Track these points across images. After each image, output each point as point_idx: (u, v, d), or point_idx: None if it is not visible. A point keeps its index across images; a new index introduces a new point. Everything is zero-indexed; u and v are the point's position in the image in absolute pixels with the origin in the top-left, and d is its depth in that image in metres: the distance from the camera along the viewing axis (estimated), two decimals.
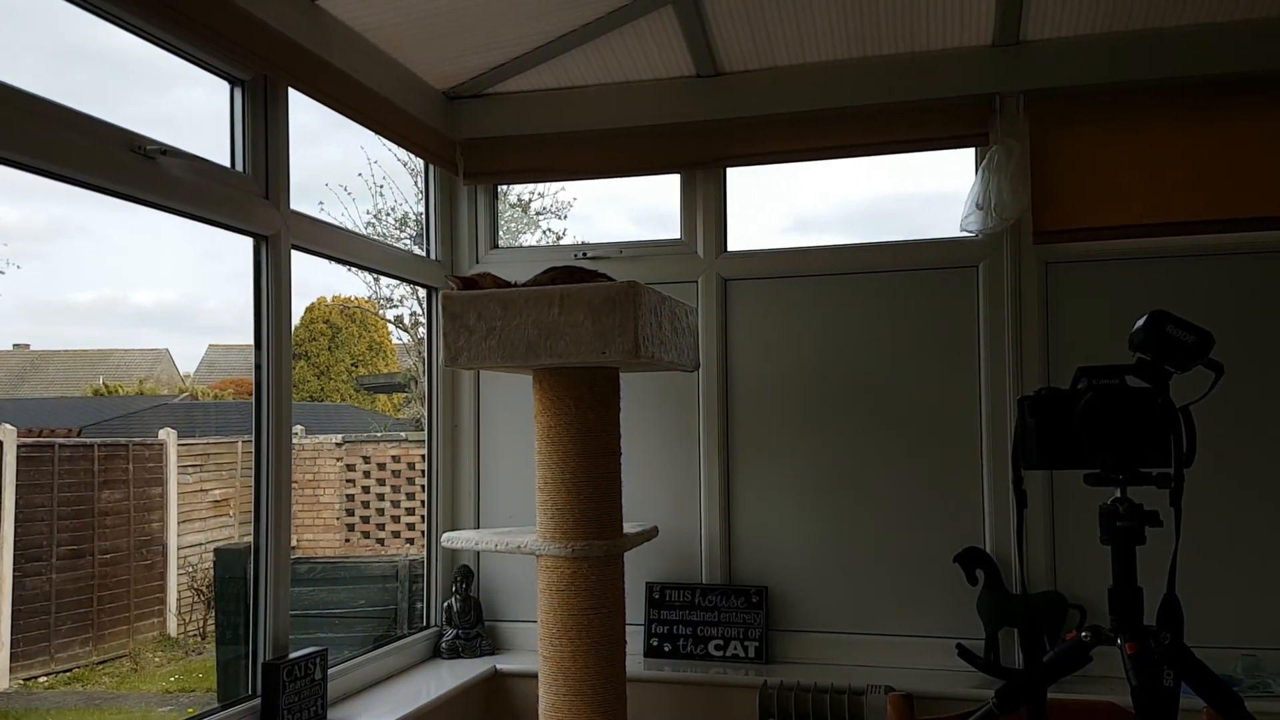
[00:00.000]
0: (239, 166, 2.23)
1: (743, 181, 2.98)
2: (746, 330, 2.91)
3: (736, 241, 2.96)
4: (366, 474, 6.75)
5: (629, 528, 2.53)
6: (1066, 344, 2.67)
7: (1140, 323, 1.06)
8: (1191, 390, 1.10)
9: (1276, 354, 2.57)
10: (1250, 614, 2.53)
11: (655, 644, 2.92)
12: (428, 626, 2.96)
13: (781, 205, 3.06)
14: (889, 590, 2.78)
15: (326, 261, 2.60)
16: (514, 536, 2.45)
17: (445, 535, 2.54)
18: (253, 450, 2.28)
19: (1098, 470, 1.07)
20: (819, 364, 2.86)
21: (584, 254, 2.97)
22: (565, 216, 6.67)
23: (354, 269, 2.85)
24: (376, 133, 2.65)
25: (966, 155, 2.77)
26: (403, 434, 7.48)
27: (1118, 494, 1.08)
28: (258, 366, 2.28)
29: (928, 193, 2.85)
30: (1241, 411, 2.57)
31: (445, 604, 2.92)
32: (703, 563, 2.92)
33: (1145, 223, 2.61)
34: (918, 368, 2.78)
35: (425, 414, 3.05)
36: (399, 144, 2.80)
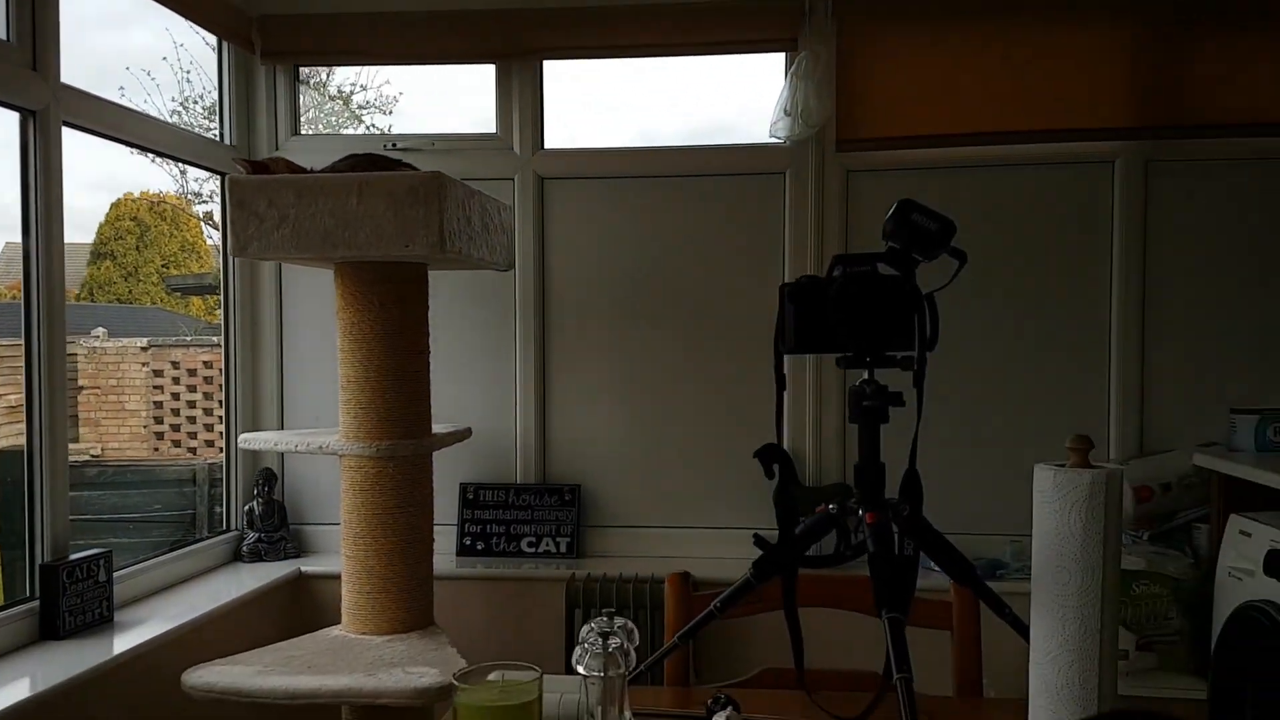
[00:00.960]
0: (1, 34, 2.04)
1: (577, 86, 2.93)
2: (564, 231, 2.89)
3: (558, 141, 2.92)
4: (175, 380, 6.45)
5: (440, 428, 2.50)
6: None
7: (890, 212, 1.10)
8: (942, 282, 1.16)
9: (1070, 264, 2.74)
10: (1017, 504, 2.73)
11: (468, 543, 2.93)
12: (228, 530, 2.88)
13: (625, 113, 3.02)
14: (695, 486, 2.87)
15: (132, 153, 2.43)
16: (316, 437, 2.39)
17: (243, 436, 2.45)
18: (22, 347, 2.14)
19: (849, 354, 1.12)
20: (634, 267, 2.87)
21: (393, 145, 2.87)
22: (390, 112, 6.42)
23: (155, 158, 2.65)
24: (161, 2, 2.45)
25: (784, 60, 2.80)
26: (215, 339, 7.17)
27: (866, 375, 1.13)
28: (26, 256, 2.12)
29: (753, 100, 2.87)
30: (1021, 314, 2.74)
31: (246, 507, 2.84)
32: (517, 463, 2.94)
33: (949, 133, 2.70)
34: (726, 273, 2.83)
35: (222, 309, 2.92)
36: (187, 16, 2.61)
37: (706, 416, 2.86)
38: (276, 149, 2.93)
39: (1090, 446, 1.09)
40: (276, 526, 2.84)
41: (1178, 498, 2.61)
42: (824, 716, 1.21)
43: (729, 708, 1.03)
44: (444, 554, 2.87)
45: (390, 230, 2.06)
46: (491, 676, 1.08)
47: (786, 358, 1.16)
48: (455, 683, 1.05)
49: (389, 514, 2.28)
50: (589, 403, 2.90)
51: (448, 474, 2.91)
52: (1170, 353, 2.72)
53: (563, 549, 2.89)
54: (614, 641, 1.05)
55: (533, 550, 2.91)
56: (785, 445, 2.77)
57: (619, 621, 1.09)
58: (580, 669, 1.05)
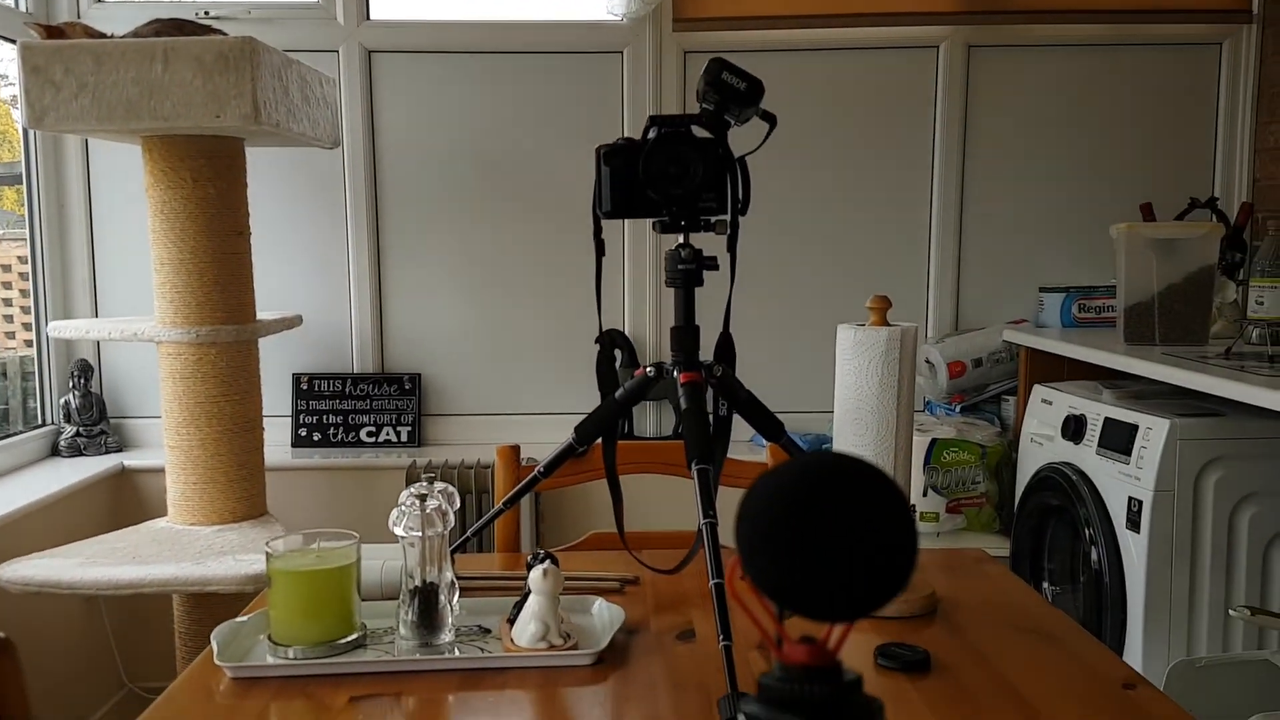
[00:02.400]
0: None
1: None
2: (394, 108, 2.79)
3: (385, 12, 2.78)
4: None
5: (267, 315, 2.42)
6: None
7: (702, 72, 1.11)
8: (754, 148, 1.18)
9: (898, 147, 2.81)
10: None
11: (304, 434, 2.87)
12: (42, 424, 2.73)
13: None
14: (538, 371, 2.88)
15: None
16: (131, 324, 2.28)
17: (52, 324, 2.32)
18: None
19: (665, 219, 1.13)
20: (470, 148, 2.81)
21: (205, 13, 2.69)
22: None
23: None
24: None
25: None
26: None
27: (681, 239, 1.15)
28: None
29: None
30: (849, 195, 2.82)
31: (63, 400, 2.70)
32: (354, 352, 2.88)
33: (783, 14, 2.72)
34: (566, 154, 2.80)
35: (25, 190, 2.71)
36: None
37: (548, 300, 2.86)
38: (79, 16, 2.70)
39: (888, 306, 1.14)
40: (95, 420, 2.71)
41: (988, 372, 2.77)
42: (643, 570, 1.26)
43: (547, 561, 1.06)
44: (278, 446, 2.81)
45: (199, 99, 1.94)
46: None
47: (624, 231, 1.16)
48: (268, 550, 1.03)
49: (212, 403, 2.20)
50: (427, 289, 2.85)
51: (280, 364, 2.83)
52: (985, 235, 2.86)
53: (403, 438, 2.87)
54: (432, 503, 1.06)
55: (372, 440, 2.87)
56: (624, 327, 2.83)
57: (439, 486, 1.10)
58: (398, 531, 1.05)
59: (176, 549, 2.11)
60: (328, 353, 2.88)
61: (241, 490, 2.26)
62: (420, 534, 1.04)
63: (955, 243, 2.85)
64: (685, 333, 1.15)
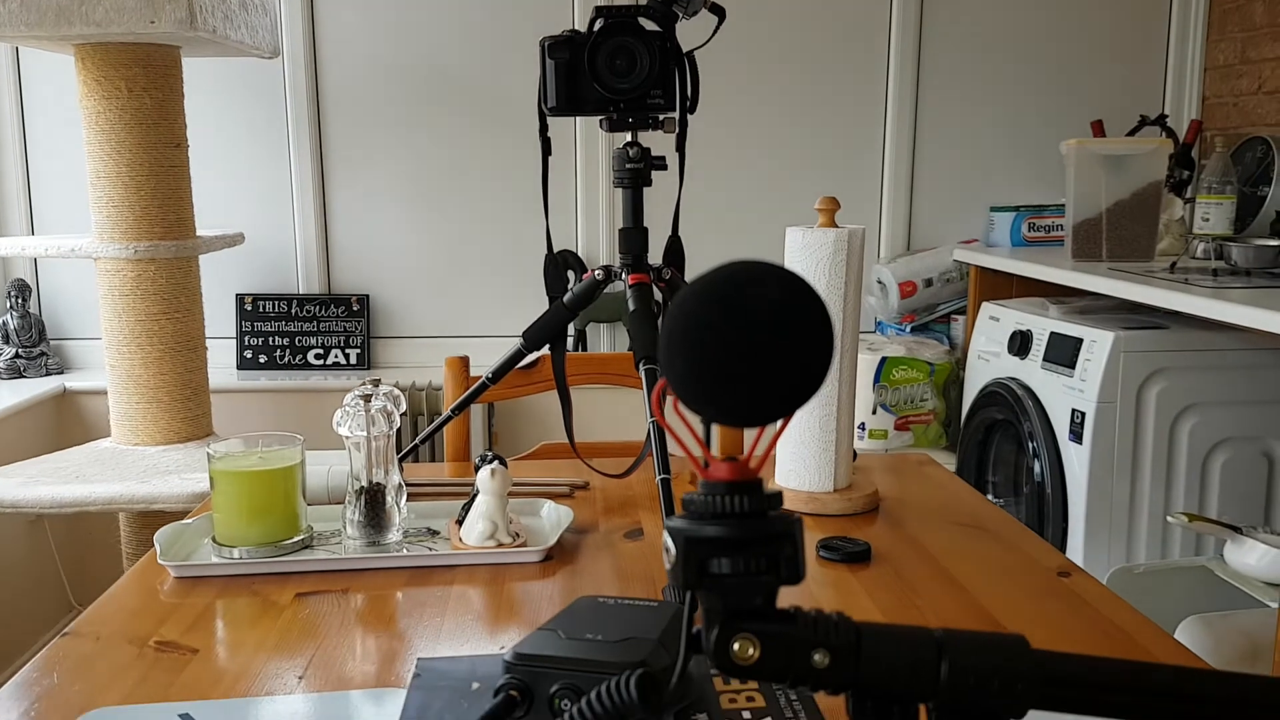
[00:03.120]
0: None
1: None
2: (337, 16, 2.71)
3: None
4: None
5: (208, 232, 2.36)
6: None
7: None
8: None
9: (854, 68, 2.79)
10: None
11: (249, 356, 2.83)
12: None
13: None
14: (488, 293, 2.85)
15: None
16: (67, 240, 2.22)
17: None
18: None
19: (613, 116, 1.11)
20: (417, 57, 2.74)
21: None
22: None
23: None
24: None
25: None
26: None
27: (629, 138, 1.13)
28: None
29: None
30: (803, 115, 2.80)
31: (0, 321, 2.63)
32: (299, 272, 2.82)
33: None
34: (518, 64, 2.75)
35: None
36: None
37: (501, 219, 2.82)
38: None
39: (836, 207, 1.14)
40: (35, 341, 2.65)
41: (938, 292, 2.79)
42: (592, 475, 1.26)
43: (495, 461, 1.05)
44: (224, 368, 2.77)
45: (132, 4, 1.87)
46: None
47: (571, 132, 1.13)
48: (210, 451, 1.02)
49: (153, 320, 2.16)
50: (375, 206, 2.80)
51: (222, 285, 2.78)
52: (938, 155, 2.86)
53: (352, 360, 2.84)
54: (377, 403, 1.05)
55: (320, 363, 2.84)
56: (578, 248, 2.80)
57: (383, 388, 1.09)
58: (343, 431, 1.04)
59: (121, 468, 2.08)
60: (272, 273, 2.83)
61: (186, 410, 2.23)
62: (365, 434, 1.03)
63: (909, 162, 2.84)
64: (633, 234, 1.14)
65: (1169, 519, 1.98)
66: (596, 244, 2.83)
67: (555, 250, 1.17)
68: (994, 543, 1.09)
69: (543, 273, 1.20)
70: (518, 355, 1.23)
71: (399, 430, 2.41)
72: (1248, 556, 1.90)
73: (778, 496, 0.31)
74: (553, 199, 2.79)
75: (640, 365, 1.05)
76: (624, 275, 1.13)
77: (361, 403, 1.04)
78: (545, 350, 1.28)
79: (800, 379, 0.29)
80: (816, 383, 0.30)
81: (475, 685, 0.41)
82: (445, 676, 0.49)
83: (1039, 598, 0.95)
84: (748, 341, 0.29)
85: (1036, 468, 2.21)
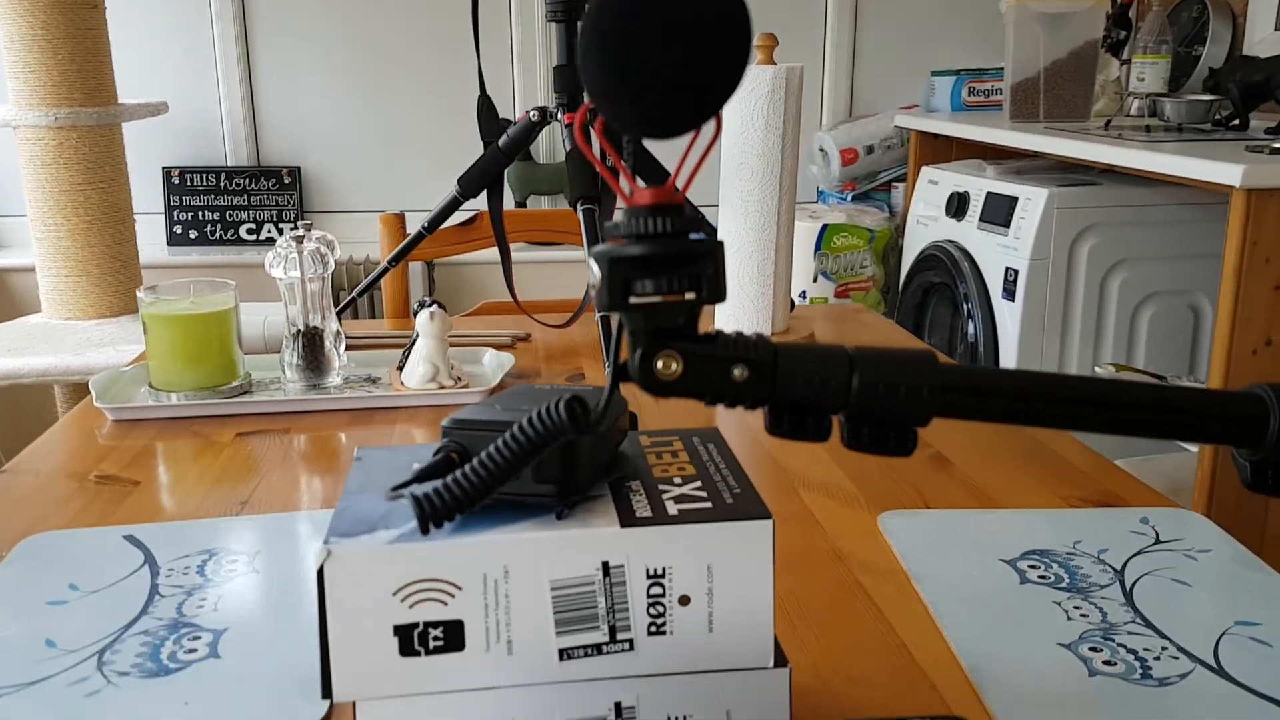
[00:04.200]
0: None
1: None
2: None
3: None
4: None
5: (130, 100, 2.27)
6: None
7: None
8: None
9: None
10: None
11: (179, 232, 2.76)
12: None
13: None
14: (426, 165, 2.79)
15: None
16: None
17: None
18: None
19: None
20: None
21: None
22: None
23: None
24: None
25: None
26: None
27: None
28: None
29: None
30: None
31: None
32: (226, 143, 2.74)
33: None
34: None
35: None
36: None
37: (437, 86, 2.74)
38: None
39: (774, 44, 1.12)
40: None
41: (879, 159, 2.79)
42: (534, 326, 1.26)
43: (434, 306, 1.05)
44: (154, 244, 2.70)
45: None
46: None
47: None
48: (141, 296, 1.00)
49: (78, 191, 2.09)
50: (303, 73, 2.71)
51: (148, 157, 2.69)
52: (880, 19, 2.82)
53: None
54: (310, 245, 1.03)
55: (253, 239, 2.78)
56: (513, 87, 2.75)
57: (316, 233, 1.07)
58: (276, 273, 1.02)
59: (53, 341, 2.04)
60: (198, 144, 2.74)
61: (116, 284, 2.18)
62: (300, 275, 1.02)
63: (850, 27, 2.81)
64: (568, 71, 1.12)
65: (1096, 369, 2.04)
66: (534, 85, 2.77)
67: (488, 93, 1.14)
68: None
69: (476, 117, 1.18)
70: (454, 203, 1.21)
71: (337, 293, 2.38)
72: None
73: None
74: (487, 39, 2.72)
75: (578, 205, 1.04)
76: (560, 115, 1.12)
77: (294, 244, 1.02)
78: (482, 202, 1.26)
79: (718, 70, 0.29)
80: (736, 76, 0.30)
81: (415, 465, 0.42)
82: (386, 459, 0.49)
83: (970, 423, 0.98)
84: (662, 24, 0.29)
85: (970, 329, 2.26)
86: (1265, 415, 0.32)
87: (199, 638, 0.60)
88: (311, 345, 1.03)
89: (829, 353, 0.33)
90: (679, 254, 0.31)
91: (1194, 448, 1.90)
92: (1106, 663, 0.56)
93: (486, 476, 0.35)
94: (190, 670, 0.57)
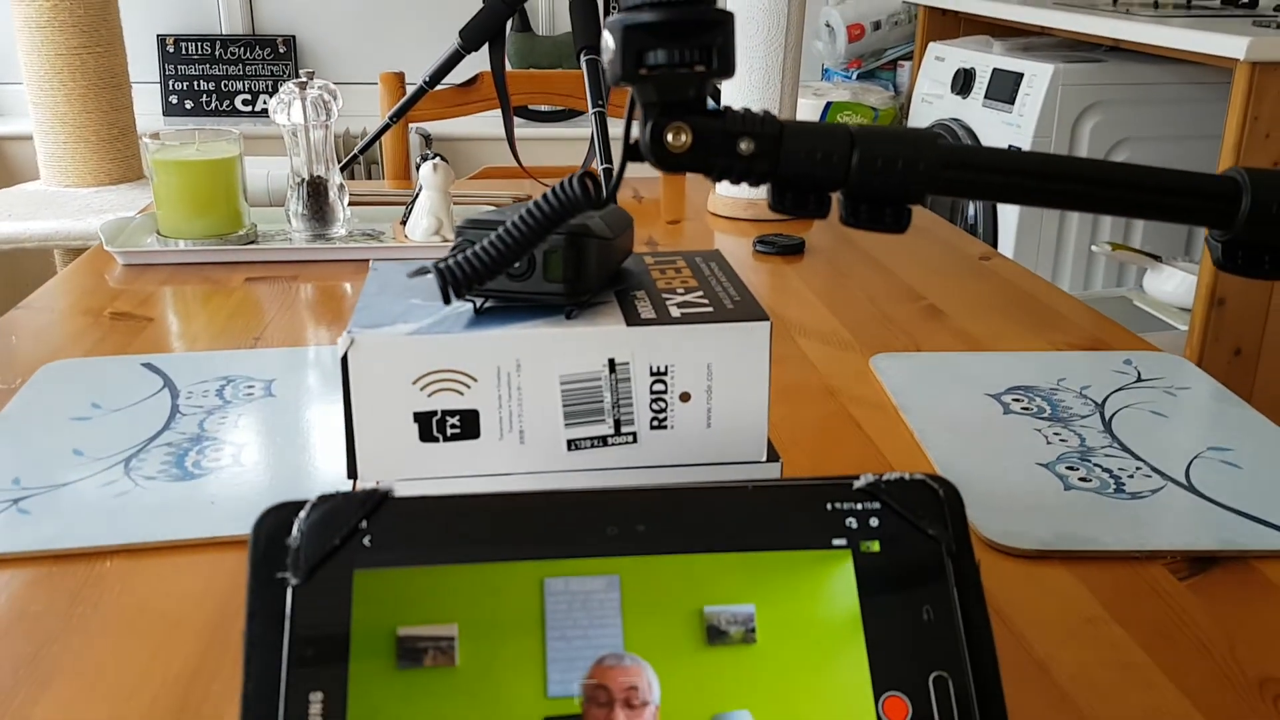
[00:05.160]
0: None
1: None
2: None
3: None
4: None
5: None
6: None
7: None
8: None
9: None
10: None
11: (175, 102, 2.73)
12: None
13: None
14: (424, 31, 2.75)
15: None
16: None
17: None
18: None
19: None
20: None
21: None
22: None
23: None
24: None
25: None
26: None
27: None
28: None
29: None
30: None
31: None
32: (221, 11, 2.69)
33: None
34: None
35: None
36: None
37: None
38: None
39: None
40: None
41: (886, 35, 2.75)
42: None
43: (436, 158, 1.05)
44: (150, 115, 2.67)
45: None
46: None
47: None
48: (146, 141, 1.01)
49: (74, 54, 2.07)
50: None
51: (142, 25, 2.64)
52: None
53: None
54: (313, 92, 1.03)
55: (249, 109, 2.75)
56: None
57: (319, 82, 1.07)
58: (280, 119, 1.03)
59: (54, 207, 2.04)
60: (192, 12, 2.69)
61: (114, 150, 2.17)
62: (304, 123, 1.02)
63: None
64: None
65: (1093, 248, 2.06)
66: None
67: None
68: (924, 237, 1.14)
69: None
70: (455, 56, 1.21)
71: (337, 153, 2.38)
72: (1165, 284, 2.00)
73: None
74: None
75: (581, 56, 1.04)
76: None
77: (297, 90, 1.02)
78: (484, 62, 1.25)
79: None
80: None
81: (430, 266, 0.43)
82: (401, 269, 0.51)
83: (963, 277, 1.00)
84: None
85: (970, 209, 2.26)
86: (1238, 195, 0.34)
87: (221, 449, 0.63)
88: (316, 194, 1.04)
89: (832, 130, 0.34)
90: (692, 21, 0.32)
91: (1183, 325, 1.93)
92: (1082, 479, 0.60)
93: (504, 249, 0.37)
94: (214, 475, 0.60)
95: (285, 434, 0.65)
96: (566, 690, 0.33)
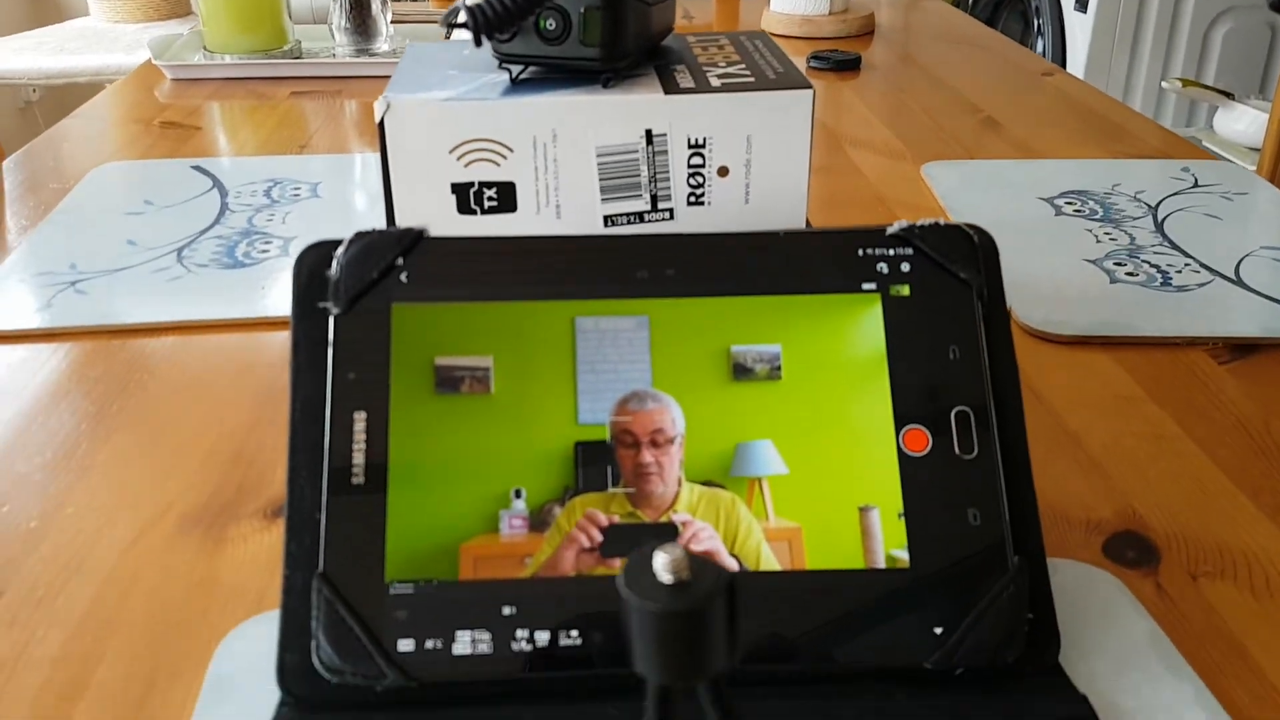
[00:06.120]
0: None
1: None
2: None
3: None
4: None
5: None
6: None
7: None
8: None
9: None
10: None
11: None
12: None
13: None
14: None
15: None
16: None
17: None
18: None
19: None
20: None
21: None
22: None
23: None
24: None
25: None
26: None
27: None
28: None
29: None
30: None
31: None
32: None
33: None
34: None
35: None
36: None
37: None
38: None
39: None
40: None
41: None
42: None
43: None
44: None
45: None
46: None
47: None
48: None
49: None
50: None
51: None
52: None
53: None
54: None
55: None
56: None
57: None
58: None
59: (105, 42, 2.04)
60: None
61: None
62: None
63: None
64: None
65: (1164, 84, 1.97)
66: None
67: None
68: (984, 52, 1.10)
69: None
70: None
71: None
72: (1236, 123, 1.92)
73: None
74: None
75: None
76: None
77: None
78: None
79: None
80: None
81: (461, 4, 0.43)
82: (435, 48, 0.51)
83: (1025, 92, 0.97)
84: None
85: (1040, 45, 2.17)
86: None
87: (270, 242, 0.64)
88: (359, 9, 1.03)
89: None
90: None
91: (1252, 166, 1.85)
92: (1129, 274, 0.59)
93: None
94: (264, 264, 0.61)
95: (332, 230, 0.66)
96: (596, 419, 0.34)
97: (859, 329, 0.35)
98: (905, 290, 0.35)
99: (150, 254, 0.62)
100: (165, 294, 0.58)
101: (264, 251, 0.63)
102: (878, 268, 0.35)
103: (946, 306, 0.35)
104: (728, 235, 0.37)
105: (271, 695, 0.31)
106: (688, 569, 0.20)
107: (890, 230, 0.35)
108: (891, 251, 0.35)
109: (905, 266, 0.35)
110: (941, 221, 0.35)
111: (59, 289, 0.58)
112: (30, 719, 0.32)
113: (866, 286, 0.35)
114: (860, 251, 0.35)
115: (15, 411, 0.47)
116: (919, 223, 0.35)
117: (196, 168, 0.76)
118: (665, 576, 0.20)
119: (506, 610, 0.31)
